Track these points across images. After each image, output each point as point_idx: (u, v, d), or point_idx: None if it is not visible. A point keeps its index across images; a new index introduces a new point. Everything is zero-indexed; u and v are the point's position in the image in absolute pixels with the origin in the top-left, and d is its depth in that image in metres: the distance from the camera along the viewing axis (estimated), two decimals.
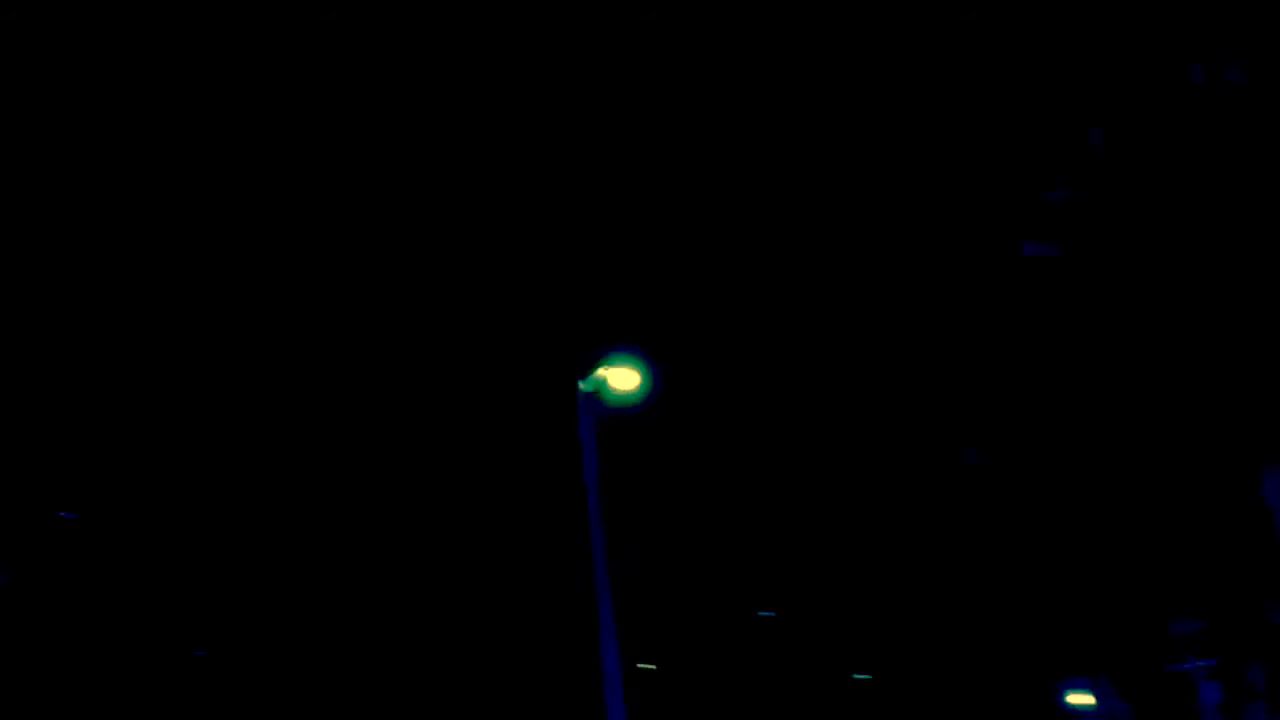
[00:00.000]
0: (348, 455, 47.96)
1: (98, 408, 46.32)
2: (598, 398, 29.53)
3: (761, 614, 57.14)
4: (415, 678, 50.38)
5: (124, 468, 47.60)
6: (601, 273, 44.06)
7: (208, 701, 48.76)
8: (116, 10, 42.05)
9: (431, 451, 47.35)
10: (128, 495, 47.82)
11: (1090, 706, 61.71)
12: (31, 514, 44.93)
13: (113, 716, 46.54)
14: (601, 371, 28.77)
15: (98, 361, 46.28)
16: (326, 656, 50.00)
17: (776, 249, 46.39)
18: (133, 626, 47.42)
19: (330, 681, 49.79)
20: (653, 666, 51.22)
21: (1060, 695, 63.60)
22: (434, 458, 47.42)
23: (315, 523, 48.89)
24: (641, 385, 29.40)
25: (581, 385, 29.18)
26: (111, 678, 46.68)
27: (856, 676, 63.57)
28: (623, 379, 28.91)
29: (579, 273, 44.10)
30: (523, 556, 47.30)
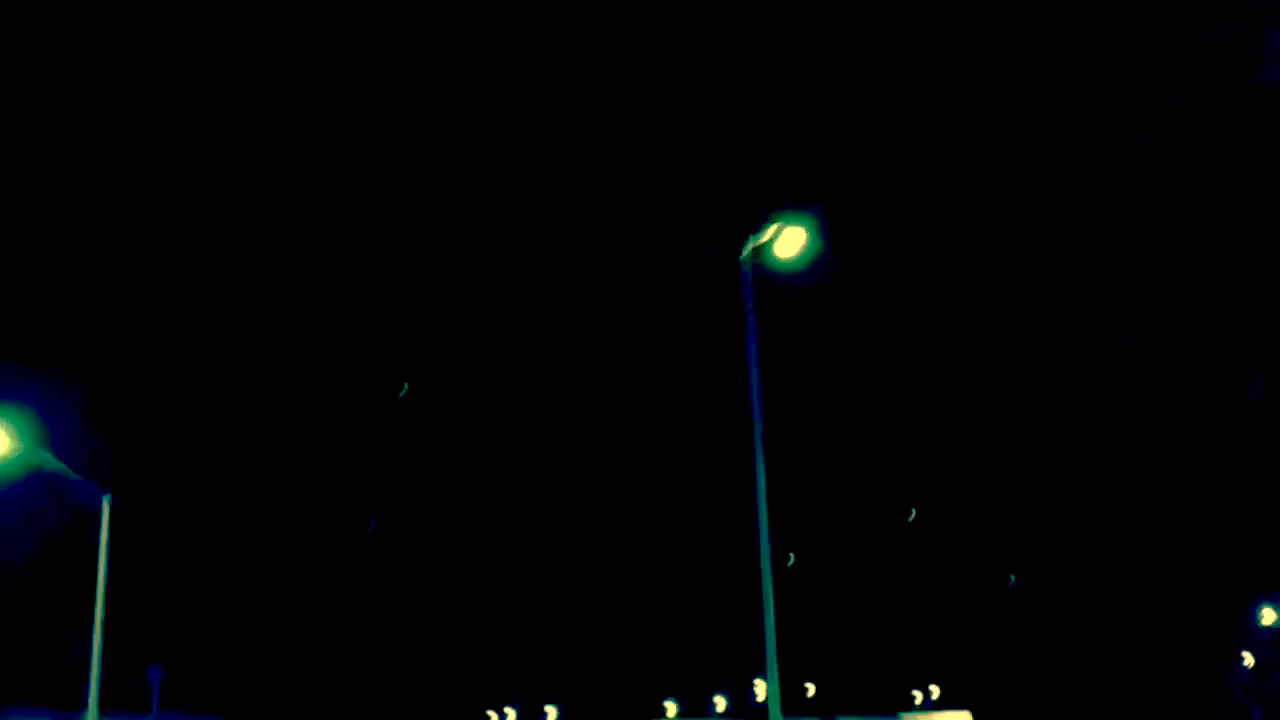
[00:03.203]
0: (511, 320, 47.67)
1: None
2: (761, 262, 28.22)
3: (910, 519, 55.32)
4: (562, 541, 50.27)
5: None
6: (771, 135, 42.57)
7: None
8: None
9: (595, 312, 46.69)
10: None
11: (1277, 625, 58.89)
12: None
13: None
14: (766, 235, 27.45)
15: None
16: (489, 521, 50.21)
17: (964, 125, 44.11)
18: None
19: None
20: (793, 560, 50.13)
21: (1253, 611, 60.86)
22: (597, 318, 46.77)
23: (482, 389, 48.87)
24: (807, 249, 27.98)
25: (745, 249, 27.87)
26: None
27: (1012, 580, 61.46)
28: (788, 243, 27.53)
29: (748, 135, 42.69)
30: (679, 420, 46.58)
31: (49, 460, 23.74)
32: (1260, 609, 59.50)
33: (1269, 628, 58.52)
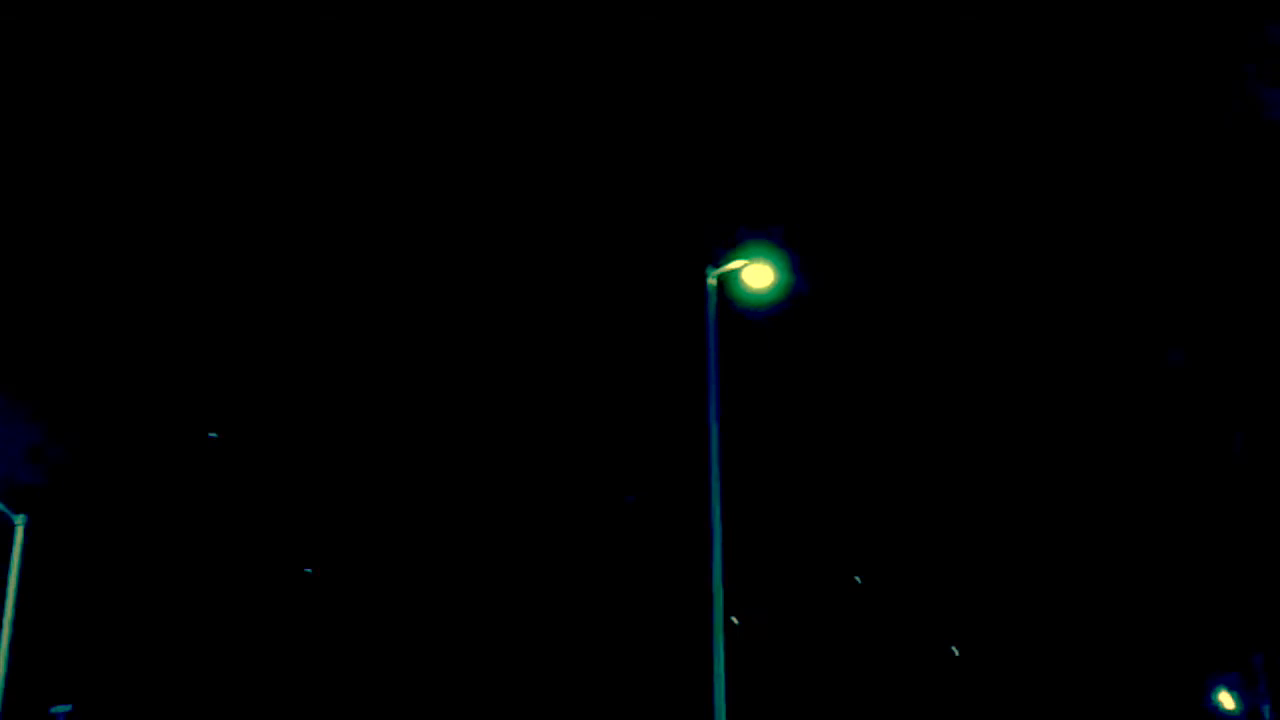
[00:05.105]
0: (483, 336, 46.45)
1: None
2: (728, 293, 27.11)
3: (858, 579, 53.96)
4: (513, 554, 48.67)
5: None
6: (743, 162, 41.77)
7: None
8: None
9: (562, 336, 45.43)
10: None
11: (1236, 711, 57.84)
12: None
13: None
14: (735, 265, 26.34)
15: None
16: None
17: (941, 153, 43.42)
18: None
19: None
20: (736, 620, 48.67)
21: (1209, 694, 59.78)
22: (565, 342, 45.46)
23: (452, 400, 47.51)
24: (777, 283, 26.90)
25: (711, 278, 26.62)
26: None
27: (954, 650, 60.13)
28: (757, 275, 26.39)
29: (719, 161, 41.90)
30: (638, 456, 45.21)
31: None
32: (1217, 692, 58.35)
33: (1229, 713, 57.37)
